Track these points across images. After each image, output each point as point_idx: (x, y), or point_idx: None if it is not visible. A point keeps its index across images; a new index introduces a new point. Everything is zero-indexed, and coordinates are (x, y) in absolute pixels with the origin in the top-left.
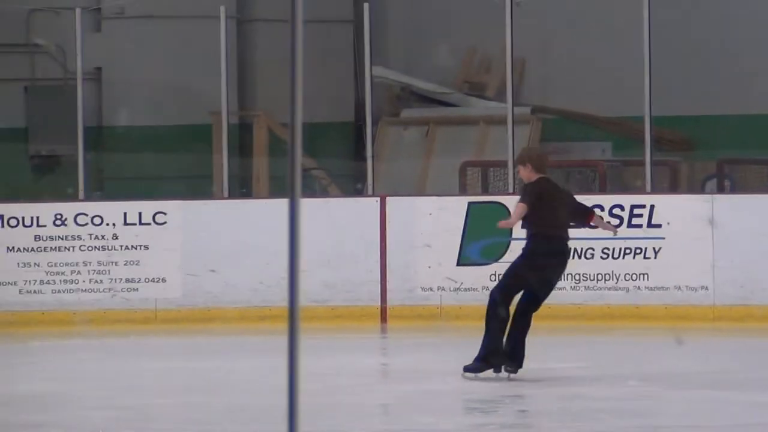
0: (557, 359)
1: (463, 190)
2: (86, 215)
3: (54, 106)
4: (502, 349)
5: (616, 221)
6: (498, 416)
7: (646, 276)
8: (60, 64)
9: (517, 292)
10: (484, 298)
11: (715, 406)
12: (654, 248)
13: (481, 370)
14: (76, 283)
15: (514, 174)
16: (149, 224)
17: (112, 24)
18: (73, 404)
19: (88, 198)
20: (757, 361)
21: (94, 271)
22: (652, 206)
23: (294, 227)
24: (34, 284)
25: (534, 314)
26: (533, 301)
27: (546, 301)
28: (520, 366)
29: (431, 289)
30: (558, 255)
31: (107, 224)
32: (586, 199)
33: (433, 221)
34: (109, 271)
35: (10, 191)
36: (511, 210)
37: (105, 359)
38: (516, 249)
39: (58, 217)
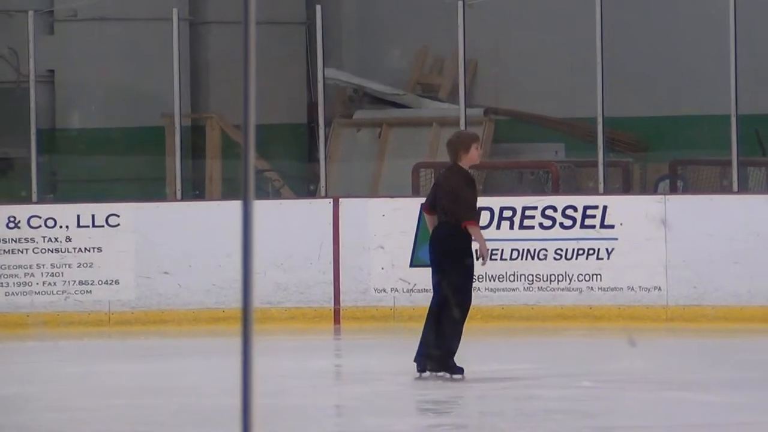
0: (511, 360)
1: (416, 192)
2: (39, 218)
3: (7, 109)
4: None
5: (570, 221)
6: (451, 417)
7: (599, 276)
8: (12, 67)
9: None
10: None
11: (668, 407)
12: (607, 249)
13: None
14: (30, 286)
15: None
16: (102, 226)
17: (64, 26)
18: (27, 407)
19: (41, 200)
20: (710, 361)
21: (48, 273)
22: (605, 207)
23: (248, 229)
24: None
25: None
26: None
27: (499, 302)
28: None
29: (384, 291)
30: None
31: (60, 227)
32: (540, 201)
33: (386, 222)
34: (62, 273)
35: None
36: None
37: (58, 361)
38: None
39: (11, 219)
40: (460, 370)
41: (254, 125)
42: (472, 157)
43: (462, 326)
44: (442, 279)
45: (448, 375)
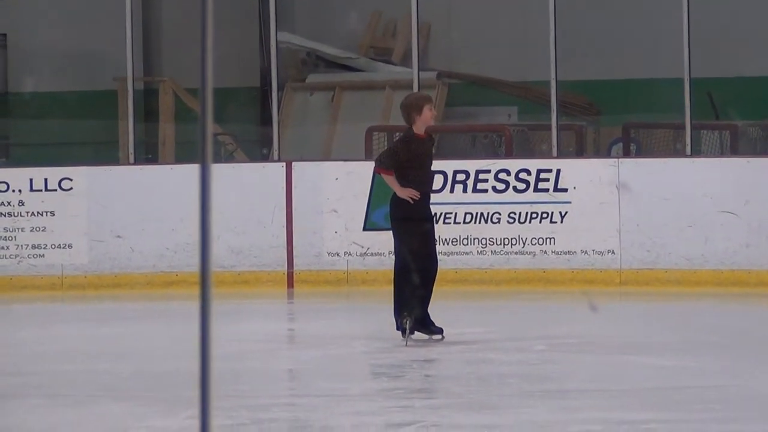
0: (464, 324)
1: (368, 155)
2: None
3: None
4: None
5: (522, 186)
6: (405, 381)
7: (552, 240)
8: None
9: None
10: (390, 263)
11: (622, 370)
12: (560, 212)
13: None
14: None
15: None
16: (55, 190)
17: None
18: None
19: None
20: (663, 325)
21: (0, 237)
22: (558, 170)
23: (205, 193)
24: None
25: (435, 278)
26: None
27: (453, 266)
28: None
29: (338, 255)
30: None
31: (13, 191)
32: (493, 164)
33: (340, 186)
34: (15, 237)
35: None
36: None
37: (11, 326)
38: None
39: None
40: (439, 330)
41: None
42: (425, 119)
43: (423, 291)
44: (398, 244)
45: (425, 335)
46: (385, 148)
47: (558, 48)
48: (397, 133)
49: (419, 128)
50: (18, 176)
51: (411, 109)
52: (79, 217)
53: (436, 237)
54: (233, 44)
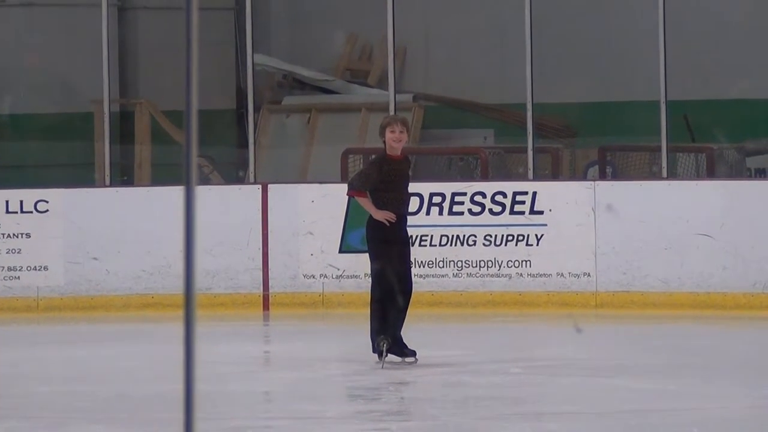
0: (440, 346)
1: (344, 177)
2: None
3: None
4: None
5: (498, 208)
6: (381, 403)
7: (528, 263)
8: None
9: None
10: (366, 285)
11: (598, 393)
12: (536, 235)
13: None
14: None
15: None
16: (31, 212)
17: None
18: None
19: None
20: (638, 347)
21: None
22: (535, 193)
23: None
24: None
25: (410, 300)
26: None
27: (429, 289)
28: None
29: (313, 277)
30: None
31: None
32: (469, 187)
33: (315, 208)
34: None
35: None
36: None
37: None
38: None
39: None
40: (412, 353)
41: (196, 111)
42: (387, 141)
43: (397, 313)
44: (374, 266)
45: (398, 358)
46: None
47: (534, 70)
48: (373, 155)
49: (388, 149)
50: None
51: (379, 130)
52: (55, 239)
53: (412, 259)
54: (210, 66)
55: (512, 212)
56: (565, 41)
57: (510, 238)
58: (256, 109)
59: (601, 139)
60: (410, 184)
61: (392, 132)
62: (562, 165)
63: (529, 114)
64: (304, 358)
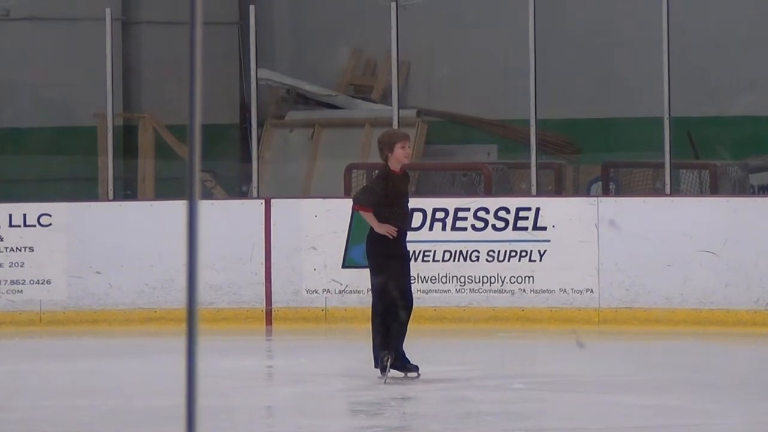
0: (443, 362)
1: (348, 192)
2: None
3: None
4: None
5: (501, 224)
6: (383, 419)
7: (531, 279)
8: None
9: None
10: (368, 300)
11: (600, 409)
12: (539, 251)
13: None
14: None
15: None
16: (34, 226)
17: None
18: None
19: None
20: (641, 363)
21: None
22: (538, 209)
23: (193, 229)
24: None
25: (410, 315)
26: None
27: (432, 304)
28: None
29: (316, 292)
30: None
31: None
32: (472, 202)
33: (319, 223)
34: None
35: None
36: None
37: None
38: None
39: None
40: (414, 368)
41: (200, 126)
42: (397, 156)
43: (398, 328)
44: (374, 281)
45: (401, 373)
46: (364, 185)
47: (538, 87)
48: (376, 171)
49: (394, 165)
50: None
51: (384, 146)
52: (57, 252)
53: (413, 275)
54: (213, 81)
55: (515, 228)
56: (568, 57)
57: (513, 253)
58: (260, 124)
59: (605, 155)
60: (413, 199)
61: (403, 148)
62: (566, 181)
63: (533, 130)
64: (306, 372)
